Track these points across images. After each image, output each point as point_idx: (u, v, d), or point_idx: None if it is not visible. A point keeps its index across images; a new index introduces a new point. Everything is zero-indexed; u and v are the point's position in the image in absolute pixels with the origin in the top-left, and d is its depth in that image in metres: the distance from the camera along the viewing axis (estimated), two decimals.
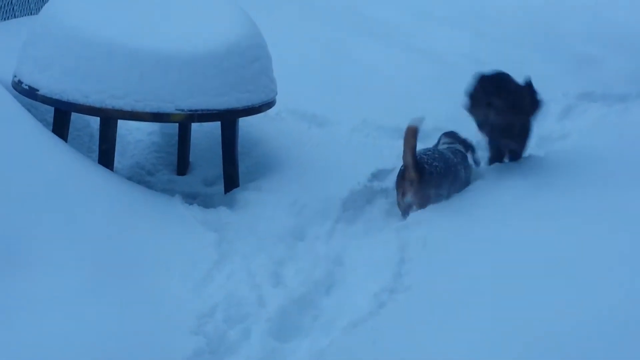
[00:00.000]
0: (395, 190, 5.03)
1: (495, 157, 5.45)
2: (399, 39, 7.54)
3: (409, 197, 4.96)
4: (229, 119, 5.23)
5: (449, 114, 6.20)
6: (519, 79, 5.72)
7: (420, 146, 5.46)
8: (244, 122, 5.60)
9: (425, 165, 4.95)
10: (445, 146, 5.32)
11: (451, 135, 5.42)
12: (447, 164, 5.05)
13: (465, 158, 5.26)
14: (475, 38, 7.64)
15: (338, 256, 4.69)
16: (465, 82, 6.79)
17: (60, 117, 5.20)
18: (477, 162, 5.38)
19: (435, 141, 5.64)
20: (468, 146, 5.38)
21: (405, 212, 4.97)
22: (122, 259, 4.28)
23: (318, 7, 8.24)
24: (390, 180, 5.34)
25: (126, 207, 4.67)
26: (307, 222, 5.01)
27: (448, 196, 5.02)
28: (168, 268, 4.33)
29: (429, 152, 5.10)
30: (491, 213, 4.73)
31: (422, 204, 4.93)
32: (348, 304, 4.20)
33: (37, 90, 4.96)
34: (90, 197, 4.59)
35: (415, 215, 4.89)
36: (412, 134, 4.90)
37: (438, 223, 4.72)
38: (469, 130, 5.47)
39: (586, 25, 8.09)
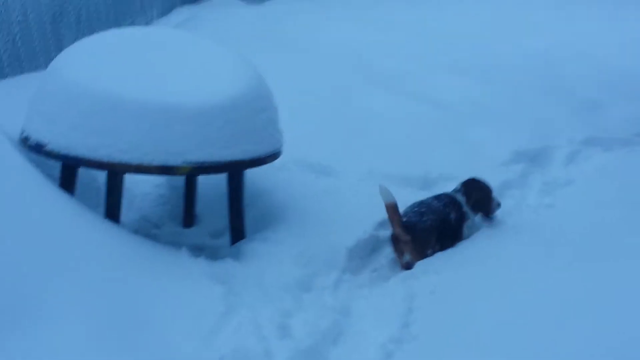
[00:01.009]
0: (393, 249, 5.10)
1: None
2: (404, 87, 7.58)
3: (407, 256, 5.05)
4: (235, 170, 5.24)
5: (455, 161, 6.23)
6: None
7: (425, 194, 5.49)
8: (250, 173, 5.61)
9: (415, 223, 5.05)
10: (433, 199, 5.34)
11: (465, 184, 5.44)
12: (437, 215, 5.15)
13: (459, 206, 5.25)
14: (479, 85, 7.68)
15: (345, 306, 4.68)
16: (469, 128, 6.85)
17: (67, 172, 5.22)
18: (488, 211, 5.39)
19: (439, 189, 5.67)
20: (469, 196, 5.37)
21: (407, 268, 5.02)
22: (129, 314, 4.25)
23: (323, 57, 8.31)
24: None
25: (133, 261, 4.66)
26: (313, 272, 5.02)
27: (442, 244, 5.07)
28: (175, 321, 4.31)
29: (415, 209, 5.15)
30: (498, 262, 4.72)
31: (421, 259, 5.03)
32: (356, 355, 4.18)
33: (44, 146, 4.98)
34: (97, 252, 4.58)
35: (421, 264, 4.89)
36: (392, 210, 5.04)
37: (445, 272, 4.72)
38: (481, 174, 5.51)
39: (589, 70, 8.14)
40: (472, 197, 5.28)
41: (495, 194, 5.38)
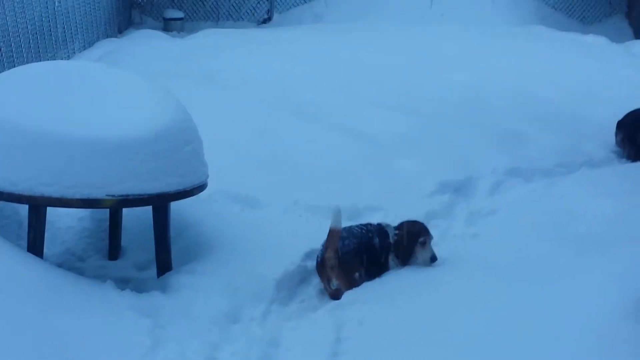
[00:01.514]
0: (320, 279, 5.09)
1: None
2: (330, 120, 7.63)
3: (335, 283, 5.07)
4: (160, 203, 5.20)
5: (381, 193, 6.27)
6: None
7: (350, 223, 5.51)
8: (176, 205, 5.58)
9: (337, 248, 5.07)
10: (355, 226, 5.34)
11: (404, 222, 5.34)
12: (358, 239, 5.16)
13: (384, 235, 5.24)
14: (405, 117, 7.75)
15: (274, 338, 4.67)
16: (395, 160, 6.91)
17: None
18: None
19: (366, 220, 5.69)
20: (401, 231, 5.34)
21: (334, 297, 5.01)
22: (54, 349, 4.17)
23: (248, 91, 8.32)
24: None
25: (57, 295, 4.58)
26: (241, 304, 4.98)
27: (368, 270, 5.09)
28: (101, 356, 4.24)
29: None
30: (426, 292, 4.75)
31: (349, 285, 5.01)
32: None
33: None
34: (20, 287, 4.49)
35: (349, 294, 4.90)
36: (336, 236, 5.07)
37: (373, 302, 4.73)
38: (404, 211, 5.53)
39: (512, 103, 8.28)
40: (404, 235, 5.19)
41: (431, 246, 5.20)
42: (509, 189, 6.63)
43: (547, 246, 5.05)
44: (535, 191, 6.50)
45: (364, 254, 5.11)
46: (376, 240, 5.16)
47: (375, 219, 5.88)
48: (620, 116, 7.58)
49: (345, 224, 5.53)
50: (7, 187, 4.83)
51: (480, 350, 3.97)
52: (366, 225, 5.29)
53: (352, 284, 5.03)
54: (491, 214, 6.15)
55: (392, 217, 5.91)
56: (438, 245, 5.17)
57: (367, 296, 4.82)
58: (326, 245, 5.10)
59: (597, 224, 5.42)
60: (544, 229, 5.42)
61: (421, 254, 5.13)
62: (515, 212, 6.03)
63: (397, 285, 4.92)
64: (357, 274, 5.07)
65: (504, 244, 5.24)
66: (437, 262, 5.09)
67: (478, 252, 5.19)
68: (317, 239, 5.66)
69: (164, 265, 5.31)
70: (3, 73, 5.32)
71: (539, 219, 5.67)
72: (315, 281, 5.26)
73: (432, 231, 5.29)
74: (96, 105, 5.12)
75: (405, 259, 5.12)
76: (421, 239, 5.13)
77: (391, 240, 5.18)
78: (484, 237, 5.45)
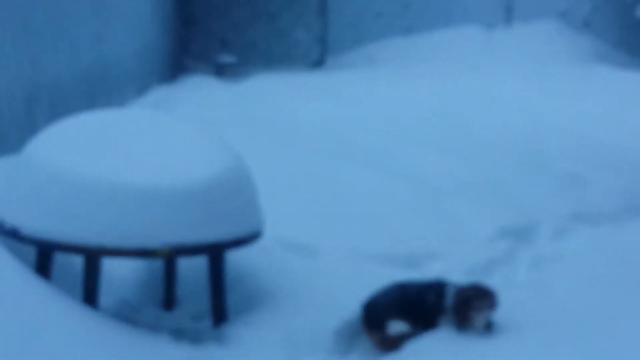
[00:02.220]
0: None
1: None
2: (385, 164, 7.54)
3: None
4: (216, 252, 5.15)
5: (439, 239, 6.17)
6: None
7: (409, 275, 5.39)
8: (231, 254, 5.53)
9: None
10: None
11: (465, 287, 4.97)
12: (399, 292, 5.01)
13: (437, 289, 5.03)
14: (460, 161, 7.65)
15: None
16: (453, 205, 6.81)
17: (43, 256, 5.11)
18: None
19: (424, 268, 5.59)
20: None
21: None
22: None
23: (302, 136, 8.29)
24: None
25: (112, 346, 4.54)
26: (299, 355, 4.89)
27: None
28: None
29: None
30: (494, 343, 4.62)
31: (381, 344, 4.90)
32: None
33: (19, 230, 4.88)
34: (74, 338, 4.45)
35: (411, 345, 4.77)
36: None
37: (437, 354, 4.59)
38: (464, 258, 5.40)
39: (570, 144, 8.14)
40: (459, 304, 4.81)
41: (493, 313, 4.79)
42: (572, 235, 6.47)
43: (620, 297, 4.88)
44: (600, 237, 6.32)
45: (403, 308, 4.91)
46: (428, 298, 4.95)
47: (434, 267, 5.77)
48: None
49: (402, 272, 5.44)
50: (62, 238, 4.80)
51: None
52: (426, 281, 5.09)
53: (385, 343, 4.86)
54: (555, 261, 5.99)
55: (452, 264, 5.80)
56: (502, 293, 4.99)
57: (430, 346, 4.67)
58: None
59: None
60: (612, 278, 5.26)
61: (475, 321, 4.75)
62: (580, 260, 5.87)
63: (462, 336, 4.77)
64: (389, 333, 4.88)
65: (572, 293, 5.09)
66: (494, 330, 4.75)
67: (544, 301, 5.04)
68: (375, 287, 5.58)
69: (219, 315, 5.24)
70: (57, 123, 5.32)
71: (607, 268, 5.52)
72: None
73: (494, 279, 5.14)
74: (150, 153, 5.10)
75: (459, 323, 4.79)
76: (476, 304, 4.75)
77: (447, 300, 4.85)
78: (549, 286, 5.31)
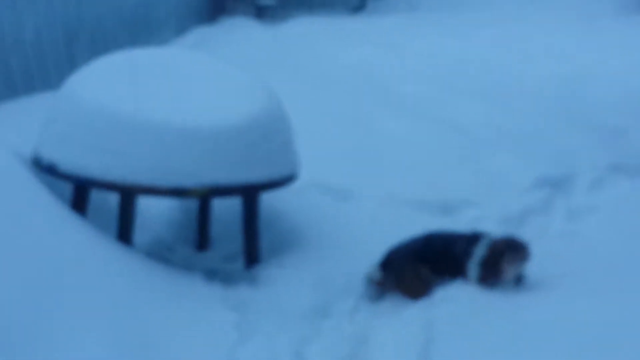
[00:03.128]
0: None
1: None
2: (423, 112, 7.49)
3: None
4: (250, 194, 5.15)
5: (476, 187, 6.13)
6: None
7: (444, 221, 5.36)
8: (266, 195, 5.52)
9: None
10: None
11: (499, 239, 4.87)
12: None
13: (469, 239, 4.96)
14: (500, 110, 7.58)
15: (363, 335, 4.57)
16: (491, 154, 6.75)
17: (79, 193, 5.14)
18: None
19: (460, 215, 5.57)
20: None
21: None
22: (142, 338, 4.17)
23: (341, 81, 8.24)
24: None
25: (145, 285, 4.58)
26: (331, 298, 4.90)
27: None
28: (189, 347, 4.22)
29: None
30: (520, 291, 4.60)
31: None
32: None
33: (56, 166, 4.91)
34: (109, 274, 4.50)
35: (440, 292, 4.76)
36: None
37: (463, 300, 4.58)
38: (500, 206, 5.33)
39: (612, 96, 8.02)
40: (491, 256, 4.72)
41: (525, 267, 4.70)
42: (610, 186, 6.39)
43: None
44: (638, 189, 6.26)
45: (422, 259, 4.89)
46: (456, 248, 4.85)
47: (469, 214, 5.75)
48: None
49: (438, 219, 5.42)
50: (99, 175, 4.83)
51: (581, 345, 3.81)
52: (459, 232, 5.00)
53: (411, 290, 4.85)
54: (592, 212, 5.93)
55: (487, 212, 5.77)
56: (536, 242, 4.93)
57: (456, 294, 4.66)
58: None
59: None
60: None
61: (507, 274, 4.68)
62: (617, 210, 5.81)
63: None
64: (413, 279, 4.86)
65: (605, 245, 5.04)
66: (524, 284, 4.69)
67: (577, 252, 5.00)
68: (410, 232, 5.56)
69: (252, 257, 5.26)
70: (97, 60, 5.31)
71: None
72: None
73: (529, 228, 5.10)
74: (188, 93, 5.10)
75: (490, 276, 4.72)
76: (508, 257, 4.66)
77: (479, 250, 4.77)
78: (584, 236, 5.27)
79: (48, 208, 4.72)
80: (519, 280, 4.69)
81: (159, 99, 4.99)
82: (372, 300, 4.94)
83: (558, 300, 4.40)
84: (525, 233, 5.46)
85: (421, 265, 4.83)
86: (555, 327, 4.09)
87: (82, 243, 4.62)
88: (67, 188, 5.27)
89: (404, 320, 4.62)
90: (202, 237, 5.66)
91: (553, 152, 6.84)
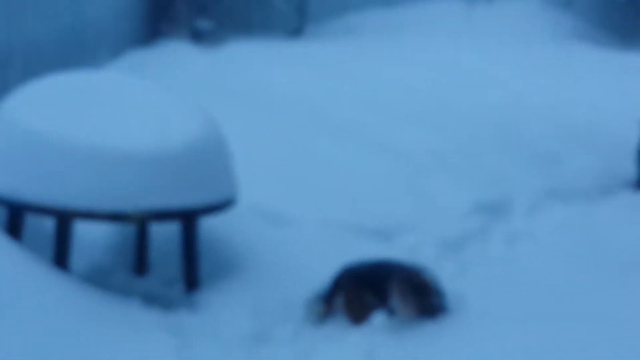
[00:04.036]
0: None
1: None
2: (362, 137, 7.51)
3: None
4: (188, 218, 5.11)
5: (413, 212, 6.16)
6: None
7: (382, 247, 5.38)
8: (204, 220, 5.49)
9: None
10: None
11: None
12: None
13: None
14: (437, 136, 7.62)
15: (303, 359, 4.55)
16: (428, 179, 6.80)
17: (14, 217, 5.06)
18: None
19: (398, 241, 5.59)
20: None
21: None
22: None
23: (278, 106, 8.23)
24: None
25: (82, 311, 4.52)
26: (270, 324, 4.88)
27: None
28: None
29: None
30: (464, 315, 4.63)
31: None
32: None
33: None
34: (45, 301, 4.44)
35: (381, 318, 4.77)
36: None
37: (407, 328, 4.60)
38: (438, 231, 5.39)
39: (546, 123, 8.13)
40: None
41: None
42: (546, 212, 6.48)
43: (589, 275, 4.90)
44: (574, 215, 6.35)
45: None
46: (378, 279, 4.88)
47: (408, 240, 5.78)
48: None
49: (375, 245, 5.44)
50: (34, 199, 4.77)
51: None
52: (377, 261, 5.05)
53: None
54: (529, 237, 6.00)
55: (425, 238, 5.81)
56: (475, 267, 4.99)
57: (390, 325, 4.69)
58: None
59: None
60: (583, 257, 5.28)
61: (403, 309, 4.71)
62: (553, 236, 5.89)
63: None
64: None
65: (542, 271, 5.10)
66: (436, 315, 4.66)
67: (514, 278, 5.06)
68: (348, 258, 5.57)
69: (191, 282, 5.21)
70: (31, 84, 5.25)
71: (579, 246, 5.54)
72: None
73: (466, 254, 5.14)
74: (124, 117, 5.07)
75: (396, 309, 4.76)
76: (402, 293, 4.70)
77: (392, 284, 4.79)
78: (522, 262, 5.32)
79: None
80: (429, 313, 4.64)
81: (94, 122, 4.95)
82: (314, 324, 4.92)
83: (486, 328, 4.43)
84: (463, 258, 5.52)
85: (366, 290, 4.83)
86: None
87: (17, 269, 4.55)
88: (2, 213, 5.19)
89: (345, 346, 4.62)
90: (140, 262, 5.60)
91: (489, 178, 6.91)
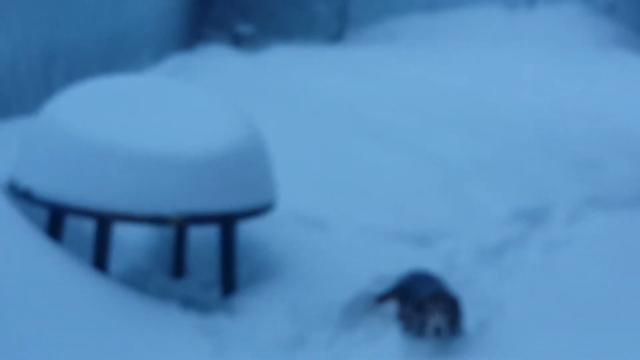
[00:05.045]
0: None
1: None
2: (401, 142, 7.49)
3: None
4: (228, 222, 5.13)
5: (452, 218, 6.13)
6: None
7: (420, 253, 5.37)
8: (243, 224, 5.51)
9: None
10: None
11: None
12: None
13: None
14: (476, 140, 7.59)
15: None
16: (467, 185, 6.76)
17: (55, 219, 5.11)
18: None
19: (436, 247, 5.58)
20: None
21: None
22: None
23: (317, 110, 8.24)
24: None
25: (121, 313, 4.55)
26: (307, 328, 4.88)
27: None
28: None
29: None
30: (499, 329, 4.61)
31: None
32: None
33: (32, 192, 4.88)
34: (84, 302, 4.47)
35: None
36: None
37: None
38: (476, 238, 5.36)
39: (587, 128, 8.07)
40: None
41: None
42: (586, 219, 6.41)
43: (630, 284, 4.85)
44: (614, 223, 6.27)
45: None
46: None
47: (446, 246, 5.75)
48: None
49: (416, 250, 5.42)
50: (75, 202, 4.81)
51: None
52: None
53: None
54: (568, 245, 5.94)
55: (463, 244, 5.78)
56: (513, 274, 4.97)
57: None
58: None
59: None
60: (624, 265, 5.22)
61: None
62: (593, 244, 5.83)
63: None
64: None
65: (581, 279, 5.06)
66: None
67: (555, 285, 5.02)
68: (385, 264, 5.56)
69: (229, 286, 5.23)
70: (75, 86, 5.31)
71: (619, 254, 5.48)
72: (383, 307, 5.12)
73: (506, 260, 5.11)
74: (166, 121, 5.10)
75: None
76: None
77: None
78: (561, 270, 5.28)
79: (23, 234, 4.68)
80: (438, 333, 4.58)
81: (136, 126, 4.99)
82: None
83: (525, 338, 4.41)
84: (502, 265, 5.48)
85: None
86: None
87: (57, 270, 4.59)
88: (44, 215, 5.24)
89: (381, 350, 4.62)
90: (178, 265, 5.63)
91: (529, 184, 6.86)
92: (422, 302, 4.59)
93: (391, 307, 5.00)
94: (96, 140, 4.84)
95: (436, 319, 4.53)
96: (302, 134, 7.51)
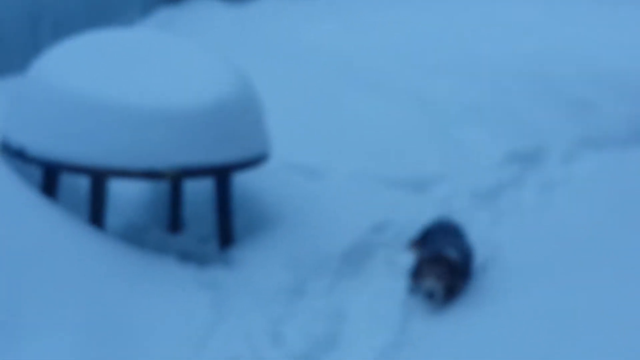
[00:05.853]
0: None
1: None
2: (391, 88, 7.45)
3: None
4: (222, 175, 5.13)
5: (446, 162, 6.13)
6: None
7: (415, 198, 5.37)
8: (237, 177, 5.50)
9: None
10: None
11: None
12: None
13: None
14: (468, 85, 7.55)
15: (339, 311, 4.60)
16: (460, 129, 6.76)
17: (49, 177, 5.09)
18: None
19: (432, 191, 5.58)
20: None
21: None
22: (116, 322, 4.18)
23: (307, 59, 8.19)
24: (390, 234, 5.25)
25: (118, 267, 4.56)
26: (305, 277, 4.91)
27: None
28: (163, 330, 4.23)
29: None
30: (498, 269, 4.63)
31: None
32: None
33: (25, 151, 4.86)
34: (82, 258, 4.49)
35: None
36: None
37: None
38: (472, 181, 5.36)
39: (580, 70, 8.02)
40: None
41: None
42: (580, 159, 6.42)
43: (624, 223, 4.85)
44: (607, 161, 6.27)
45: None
46: None
47: (441, 190, 5.76)
48: None
49: (411, 195, 5.43)
50: (69, 159, 4.79)
51: (554, 329, 3.83)
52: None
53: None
54: (563, 185, 5.94)
55: (459, 188, 5.79)
56: (510, 216, 4.98)
57: None
58: None
59: None
60: (617, 203, 5.22)
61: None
62: (588, 183, 5.83)
63: None
64: None
65: (577, 218, 5.06)
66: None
67: (551, 225, 5.03)
68: (381, 210, 5.57)
69: (226, 238, 5.23)
70: (62, 43, 5.26)
71: (613, 192, 5.48)
72: (381, 254, 5.14)
73: (502, 202, 5.12)
74: (157, 74, 5.06)
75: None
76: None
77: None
78: (557, 209, 5.29)
79: (17, 192, 4.68)
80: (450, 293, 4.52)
81: (128, 80, 4.95)
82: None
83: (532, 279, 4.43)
84: (498, 207, 5.49)
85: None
86: (532, 303, 4.12)
87: (53, 227, 4.59)
88: (37, 173, 5.23)
89: (380, 295, 4.65)
90: (174, 219, 5.63)
91: (523, 127, 6.84)
92: (420, 265, 4.56)
93: (391, 255, 5.02)
94: (88, 96, 4.81)
95: (428, 284, 4.46)
96: (293, 84, 7.47)
